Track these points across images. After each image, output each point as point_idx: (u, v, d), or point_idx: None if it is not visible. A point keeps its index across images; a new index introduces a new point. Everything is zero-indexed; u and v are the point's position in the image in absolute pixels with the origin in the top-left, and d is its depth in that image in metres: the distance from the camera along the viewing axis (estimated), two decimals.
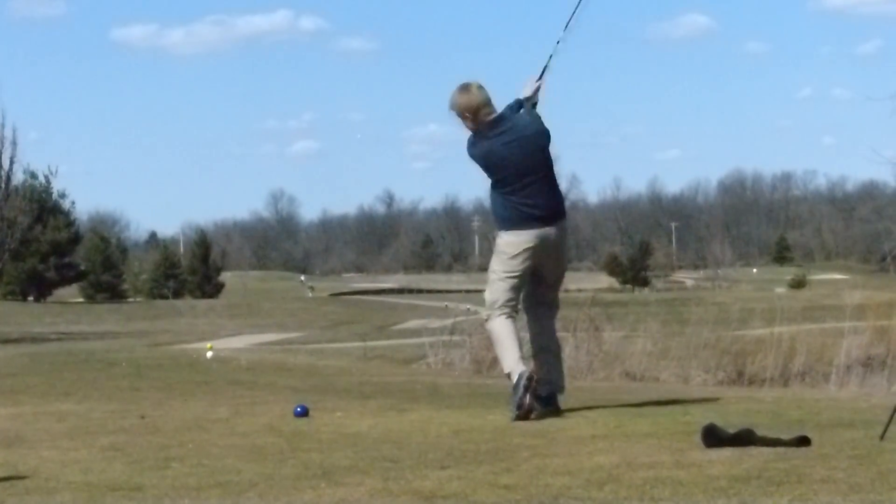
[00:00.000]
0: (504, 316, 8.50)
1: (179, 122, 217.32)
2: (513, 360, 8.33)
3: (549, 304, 8.76)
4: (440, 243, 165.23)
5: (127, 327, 54.10)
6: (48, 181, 66.39)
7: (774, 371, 18.53)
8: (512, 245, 8.47)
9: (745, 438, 6.26)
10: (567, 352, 9.63)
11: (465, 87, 8.51)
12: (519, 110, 8.53)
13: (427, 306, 53.93)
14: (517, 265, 8.47)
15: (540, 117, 8.56)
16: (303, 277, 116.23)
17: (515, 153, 8.36)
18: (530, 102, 8.57)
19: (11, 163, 44.58)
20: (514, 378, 8.22)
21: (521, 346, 8.48)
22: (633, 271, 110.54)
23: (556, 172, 8.61)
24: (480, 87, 8.51)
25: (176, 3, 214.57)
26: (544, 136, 8.49)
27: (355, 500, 5.25)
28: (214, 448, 6.97)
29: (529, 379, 8.14)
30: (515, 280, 8.49)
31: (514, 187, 8.42)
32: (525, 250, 8.43)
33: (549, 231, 8.47)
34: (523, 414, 8.04)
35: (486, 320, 8.64)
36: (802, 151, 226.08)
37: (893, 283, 62.53)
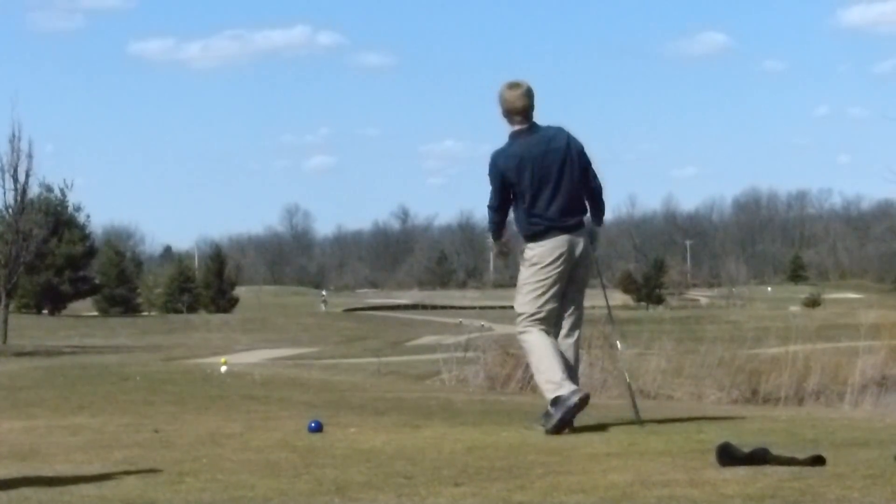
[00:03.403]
0: (535, 327, 8.43)
1: (195, 136, 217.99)
2: (558, 377, 8.26)
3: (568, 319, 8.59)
4: (455, 259, 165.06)
5: (141, 341, 54.21)
6: (64, 194, 66.60)
7: (789, 390, 18.54)
8: (539, 255, 8.43)
9: (759, 457, 6.25)
10: (581, 369, 9.60)
11: (513, 86, 8.46)
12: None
13: (441, 322, 53.85)
14: (544, 274, 8.41)
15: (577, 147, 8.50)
16: (324, 292, 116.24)
17: (537, 164, 8.35)
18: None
19: (27, 176, 44.83)
20: (565, 393, 8.15)
21: (560, 361, 8.33)
22: (647, 289, 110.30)
23: (581, 183, 8.49)
24: (525, 95, 8.43)
25: (194, 17, 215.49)
26: (564, 151, 8.41)
27: None
28: (228, 463, 6.97)
29: (584, 400, 8.18)
30: (542, 290, 8.40)
31: (534, 197, 8.40)
32: (552, 258, 8.39)
33: (574, 240, 8.43)
34: (561, 429, 8.07)
35: (520, 333, 8.54)
36: (818, 170, 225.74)
37: None
